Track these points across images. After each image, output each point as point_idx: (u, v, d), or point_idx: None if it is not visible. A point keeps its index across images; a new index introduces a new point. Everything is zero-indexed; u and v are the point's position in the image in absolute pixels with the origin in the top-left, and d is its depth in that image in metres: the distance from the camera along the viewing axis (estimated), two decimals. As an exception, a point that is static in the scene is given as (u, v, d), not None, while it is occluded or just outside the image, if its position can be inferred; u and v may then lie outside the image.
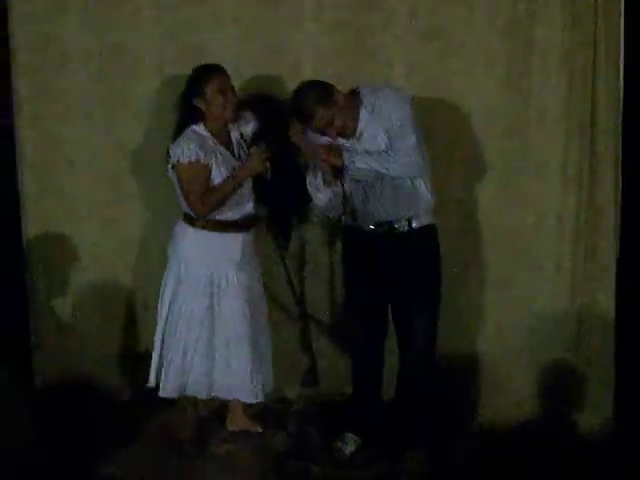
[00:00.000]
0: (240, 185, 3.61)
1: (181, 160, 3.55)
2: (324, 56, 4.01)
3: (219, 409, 4.02)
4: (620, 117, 3.95)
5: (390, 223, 3.52)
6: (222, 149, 3.64)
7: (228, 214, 3.64)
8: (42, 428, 3.85)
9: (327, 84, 3.49)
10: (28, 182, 4.21)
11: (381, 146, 3.45)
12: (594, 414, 4.02)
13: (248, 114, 3.79)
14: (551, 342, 4.07)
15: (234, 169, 3.61)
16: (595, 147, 3.96)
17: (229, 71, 3.65)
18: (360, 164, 3.41)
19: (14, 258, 4.30)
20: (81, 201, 4.22)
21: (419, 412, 3.67)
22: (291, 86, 3.73)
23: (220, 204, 3.60)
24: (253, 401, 3.75)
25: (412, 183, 3.51)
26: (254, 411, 4.00)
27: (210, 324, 3.66)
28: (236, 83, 3.75)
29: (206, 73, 3.59)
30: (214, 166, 3.59)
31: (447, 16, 3.97)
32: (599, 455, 3.80)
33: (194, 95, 3.59)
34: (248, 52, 4.03)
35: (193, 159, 3.54)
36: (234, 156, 3.67)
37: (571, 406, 4.04)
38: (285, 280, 4.18)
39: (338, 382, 4.09)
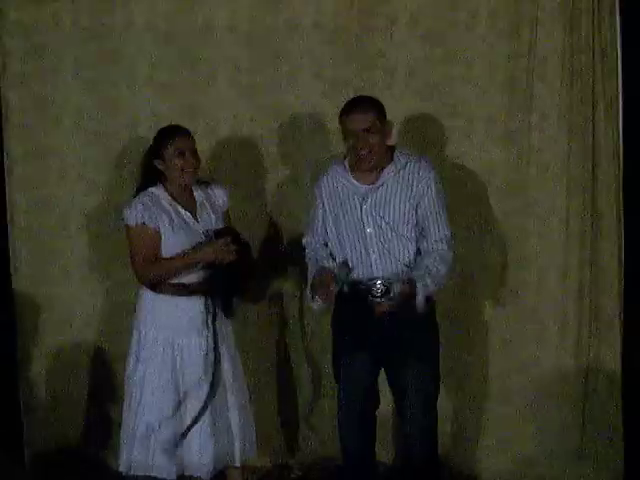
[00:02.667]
0: (191, 266, 3.47)
1: (128, 223, 3.48)
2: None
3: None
4: (621, 172, 3.94)
5: (386, 286, 3.33)
6: (182, 211, 3.53)
7: (191, 277, 3.51)
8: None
9: None
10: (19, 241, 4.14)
11: (401, 207, 3.39)
12: (604, 473, 3.96)
13: (218, 188, 3.68)
14: (557, 401, 4.01)
15: (192, 232, 3.50)
16: (597, 203, 3.95)
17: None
18: (432, 289, 3.35)
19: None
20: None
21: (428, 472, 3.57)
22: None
23: (164, 278, 3.48)
24: (204, 477, 3.52)
25: (416, 243, 3.44)
26: (254, 478, 3.92)
27: (174, 395, 3.49)
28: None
29: (167, 135, 3.53)
30: (167, 229, 3.47)
31: (446, 73, 3.98)
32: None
33: (154, 156, 3.53)
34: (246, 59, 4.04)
35: (139, 223, 3.46)
36: (196, 219, 3.57)
37: (580, 465, 3.97)
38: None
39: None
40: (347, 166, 3.47)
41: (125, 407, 3.56)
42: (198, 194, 3.61)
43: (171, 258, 3.47)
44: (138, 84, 4.08)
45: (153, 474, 3.50)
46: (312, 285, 3.42)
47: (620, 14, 3.88)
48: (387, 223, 3.41)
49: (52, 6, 4.04)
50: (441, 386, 3.64)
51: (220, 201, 3.67)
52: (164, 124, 3.78)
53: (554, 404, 4.01)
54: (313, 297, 3.42)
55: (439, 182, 3.44)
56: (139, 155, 3.69)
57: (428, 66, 3.98)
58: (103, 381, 4.18)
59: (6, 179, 4.11)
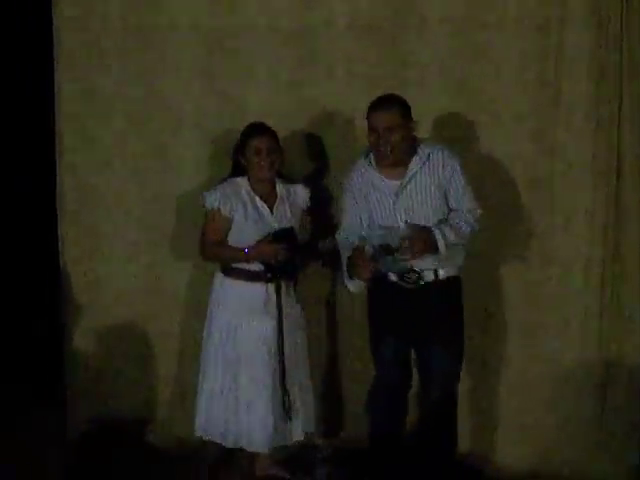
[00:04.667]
0: (246, 259, 3.73)
1: (206, 205, 3.76)
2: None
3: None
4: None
5: (418, 273, 3.58)
6: (259, 203, 3.78)
7: (253, 265, 3.75)
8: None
9: None
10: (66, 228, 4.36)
11: (430, 198, 3.55)
12: (621, 465, 4.02)
13: (300, 187, 3.92)
14: (577, 393, 4.09)
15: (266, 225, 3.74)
16: (621, 198, 4.01)
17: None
18: (453, 239, 3.51)
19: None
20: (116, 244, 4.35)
21: (445, 452, 3.72)
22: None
23: (222, 261, 3.81)
24: (261, 450, 3.82)
25: None
26: (282, 457, 4.05)
27: (233, 371, 3.76)
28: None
29: (247, 133, 3.78)
30: (241, 218, 3.73)
31: (476, 71, 4.08)
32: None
33: (237, 152, 3.80)
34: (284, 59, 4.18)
35: (214, 207, 3.74)
36: (272, 211, 3.79)
37: (597, 457, 4.04)
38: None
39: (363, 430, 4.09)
40: (373, 163, 3.62)
41: (199, 377, 3.87)
42: (280, 189, 3.85)
43: (232, 248, 3.75)
44: (183, 77, 4.24)
45: (213, 439, 3.84)
46: (348, 265, 3.58)
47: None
48: (419, 217, 3.56)
49: (102, 3, 4.23)
50: (464, 376, 3.82)
51: (300, 199, 3.91)
52: (205, 120, 4.02)
53: (574, 395, 4.09)
54: (351, 276, 3.58)
55: (462, 167, 3.59)
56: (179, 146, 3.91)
57: (459, 64, 4.08)
58: (142, 358, 4.38)
59: (57, 165, 4.32)
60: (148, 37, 4.24)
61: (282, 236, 3.71)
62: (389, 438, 3.81)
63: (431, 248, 3.47)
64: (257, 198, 3.79)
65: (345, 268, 3.62)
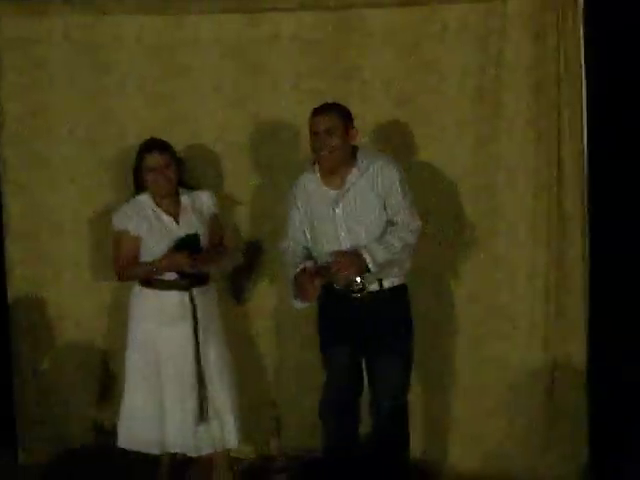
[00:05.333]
0: (159, 271, 3.77)
1: (114, 227, 3.83)
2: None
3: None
4: (585, 176, 4.09)
5: (362, 283, 3.61)
6: (164, 217, 3.82)
7: (168, 274, 3.79)
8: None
9: None
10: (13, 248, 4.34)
11: (369, 207, 3.60)
12: (570, 465, 4.12)
13: (204, 194, 3.95)
14: (525, 396, 4.17)
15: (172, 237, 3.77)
16: (562, 206, 4.11)
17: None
18: (382, 256, 3.54)
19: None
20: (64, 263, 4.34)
21: (397, 461, 3.78)
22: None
23: (140, 278, 3.83)
24: (194, 454, 3.87)
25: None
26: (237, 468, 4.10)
27: (154, 379, 3.80)
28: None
29: (140, 151, 3.84)
30: (147, 234, 3.78)
31: (419, 83, 4.15)
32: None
33: (136, 169, 3.85)
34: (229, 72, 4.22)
35: (122, 228, 3.80)
36: (177, 222, 3.82)
37: (546, 458, 4.14)
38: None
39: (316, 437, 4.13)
40: (317, 171, 3.68)
41: (127, 393, 3.88)
42: (184, 199, 3.88)
43: (144, 263, 3.79)
44: (127, 94, 4.27)
45: (140, 449, 3.87)
46: (294, 285, 3.63)
47: (584, 27, 4.03)
48: (358, 226, 3.61)
49: (46, 22, 4.23)
50: (414, 384, 3.89)
51: (205, 206, 3.93)
52: (151, 132, 4.01)
53: (522, 398, 4.17)
54: (295, 297, 3.63)
55: (403, 177, 3.65)
56: (128, 162, 3.92)
57: (402, 76, 4.15)
58: (96, 378, 4.38)
59: (2, 185, 4.31)
60: (94, 54, 4.26)
61: (185, 243, 3.75)
62: (342, 446, 3.85)
63: (361, 269, 3.53)
64: (162, 212, 3.83)
65: (292, 286, 3.66)
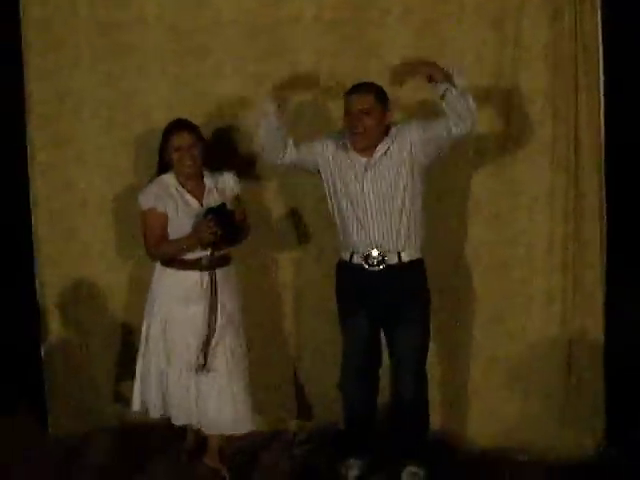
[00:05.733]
0: (190, 247, 3.83)
1: (141, 207, 3.88)
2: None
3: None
4: (603, 153, 4.15)
5: (382, 256, 3.72)
6: (188, 197, 3.89)
7: (189, 255, 3.86)
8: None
9: None
10: (42, 224, 4.43)
11: (397, 175, 3.70)
12: (585, 437, 4.19)
13: (227, 175, 4.01)
14: (542, 369, 4.25)
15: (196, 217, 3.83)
16: (580, 183, 4.17)
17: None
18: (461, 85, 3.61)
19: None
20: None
21: (416, 429, 3.87)
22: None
23: (170, 256, 3.87)
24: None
25: (410, 215, 3.73)
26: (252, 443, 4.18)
27: (167, 355, 3.88)
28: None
29: (168, 130, 3.89)
30: (173, 213, 3.84)
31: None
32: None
33: (161, 148, 3.91)
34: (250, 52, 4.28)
35: (149, 207, 3.85)
36: (201, 203, 3.89)
37: (562, 430, 4.21)
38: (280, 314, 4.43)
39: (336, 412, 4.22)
40: (348, 143, 3.76)
41: (140, 365, 3.98)
42: (209, 181, 3.95)
43: (174, 241, 3.85)
44: (150, 75, 4.35)
45: (150, 413, 3.97)
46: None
47: (601, 6, 4.08)
48: (385, 194, 3.70)
49: (70, 1, 4.31)
50: (433, 355, 4.00)
51: (228, 187, 4.00)
52: (175, 113, 4.09)
53: (540, 372, 4.24)
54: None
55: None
56: (151, 143, 4.01)
57: (420, 55, 4.14)
58: (121, 355, 4.47)
59: (29, 165, 4.40)
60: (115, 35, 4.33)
61: (214, 211, 3.79)
62: (362, 416, 3.95)
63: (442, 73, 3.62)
64: (185, 192, 3.89)
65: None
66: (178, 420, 3.93)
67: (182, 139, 3.85)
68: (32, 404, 4.55)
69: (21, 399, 4.66)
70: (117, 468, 4.08)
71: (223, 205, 3.83)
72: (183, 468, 4.04)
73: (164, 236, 3.87)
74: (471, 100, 3.62)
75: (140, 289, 4.24)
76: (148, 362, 3.93)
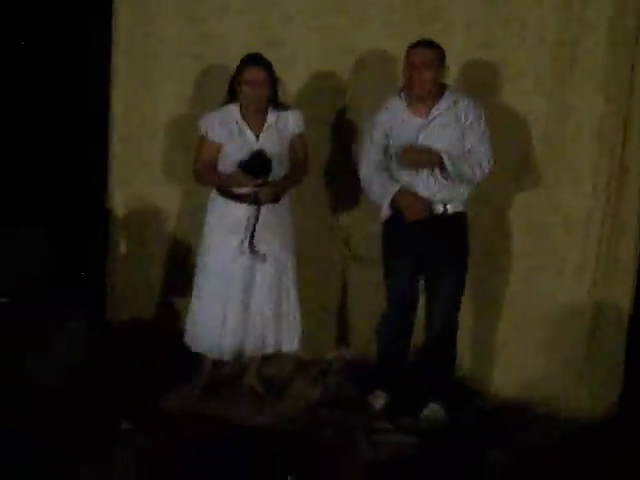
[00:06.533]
0: (228, 185, 4.01)
1: (199, 130, 4.05)
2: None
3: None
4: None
5: (429, 206, 3.96)
6: (247, 130, 4.02)
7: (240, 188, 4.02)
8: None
9: None
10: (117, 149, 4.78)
11: (449, 138, 3.92)
12: (599, 399, 4.43)
13: (292, 113, 4.13)
14: (568, 332, 4.48)
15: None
16: (625, 159, 4.35)
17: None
18: (458, 169, 3.89)
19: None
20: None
21: (443, 370, 4.15)
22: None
23: (208, 184, 4.10)
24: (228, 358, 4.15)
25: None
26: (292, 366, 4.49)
27: (239, 283, 4.05)
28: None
29: (244, 62, 3.99)
30: (227, 144, 4.00)
31: (501, 31, 4.41)
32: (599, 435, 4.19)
33: (233, 79, 4.03)
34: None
35: (203, 132, 4.03)
36: (257, 138, 4.03)
37: (579, 389, 4.46)
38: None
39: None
40: (404, 99, 3.99)
41: (194, 294, 4.18)
42: (271, 116, 4.07)
43: (216, 174, 4.05)
44: (229, 17, 4.62)
45: (203, 351, 4.17)
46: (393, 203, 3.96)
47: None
48: (440, 151, 3.91)
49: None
50: (467, 307, 4.27)
51: (290, 125, 4.11)
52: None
53: (564, 334, 4.48)
54: (397, 212, 3.96)
55: (485, 118, 3.95)
56: (225, 76, 4.21)
57: (485, 23, 4.40)
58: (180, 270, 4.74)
59: (111, 94, 4.73)
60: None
61: (252, 162, 3.92)
62: (395, 357, 4.23)
63: (433, 161, 3.87)
64: (245, 125, 4.02)
65: (386, 201, 3.97)
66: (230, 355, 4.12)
67: (254, 73, 3.96)
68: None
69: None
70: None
71: (257, 154, 3.95)
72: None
73: (210, 163, 4.03)
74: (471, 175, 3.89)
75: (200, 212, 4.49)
76: (205, 297, 4.10)
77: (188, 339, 4.22)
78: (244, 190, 4.01)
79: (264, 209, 4.02)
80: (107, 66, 4.70)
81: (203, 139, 4.06)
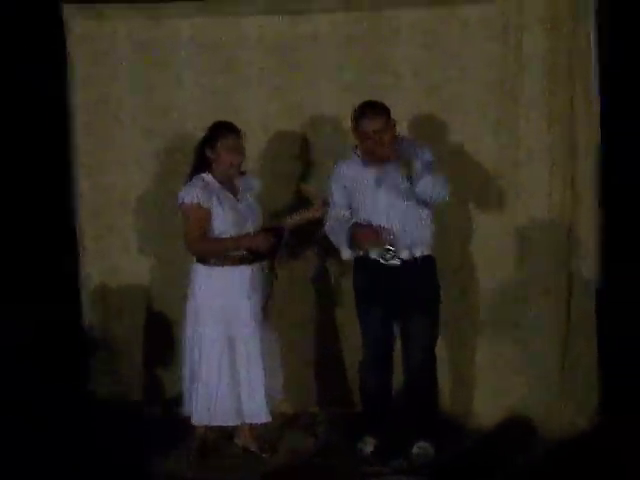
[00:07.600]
0: (238, 248, 4.07)
1: (185, 201, 4.02)
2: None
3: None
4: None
5: (394, 252, 4.07)
6: (228, 194, 4.10)
7: (235, 252, 4.10)
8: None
9: None
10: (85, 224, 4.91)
11: (406, 186, 4.03)
12: (581, 409, 4.57)
13: (253, 178, 4.29)
14: (541, 358, 4.65)
15: (240, 213, 4.09)
16: (576, 179, 4.58)
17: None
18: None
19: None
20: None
21: (426, 408, 4.27)
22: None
23: (213, 254, 4.07)
24: (266, 420, 4.15)
25: (422, 212, 4.11)
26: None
27: (230, 352, 4.08)
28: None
29: (222, 129, 4.07)
30: (217, 209, 4.03)
31: (444, 75, 4.63)
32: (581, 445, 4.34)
33: (207, 146, 4.08)
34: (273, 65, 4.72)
35: (195, 202, 3.99)
36: (238, 201, 4.13)
37: (560, 407, 4.60)
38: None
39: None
40: (359, 158, 4.13)
41: (187, 366, 4.16)
42: (238, 181, 4.20)
43: (222, 239, 4.05)
44: (184, 88, 4.80)
45: (218, 423, 4.16)
46: (350, 235, 4.08)
47: (595, 20, 4.47)
48: (398, 197, 4.06)
49: (110, 22, 4.78)
50: (442, 343, 4.40)
51: (254, 188, 4.28)
52: (207, 122, 4.38)
53: (538, 360, 4.64)
54: (349, 246, 4.11)
55: (434, 158, 4.06)
56: (185, 149, 4.40)
57: (429, 69, 4.62)
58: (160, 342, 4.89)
59: (74, 169, 4.86)
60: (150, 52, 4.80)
61: (271, 229, 4.13)
62: (378, 399, 4.31)
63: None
64: (225, 190, 4.09)
65: (344, 238, 4.11)
66: (227, 421, 4.12)
67: (235, 141, 4.05)
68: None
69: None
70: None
71: (281, 227, 4.17)
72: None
73: (206, 231, 4.02)
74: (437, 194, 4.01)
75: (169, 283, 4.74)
76: (214, 368, 4.07)
77: (188, 411, 4.18)
78: (239, 253, 4.09)
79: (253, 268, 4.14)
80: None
81: (191, 208, 4.02)
